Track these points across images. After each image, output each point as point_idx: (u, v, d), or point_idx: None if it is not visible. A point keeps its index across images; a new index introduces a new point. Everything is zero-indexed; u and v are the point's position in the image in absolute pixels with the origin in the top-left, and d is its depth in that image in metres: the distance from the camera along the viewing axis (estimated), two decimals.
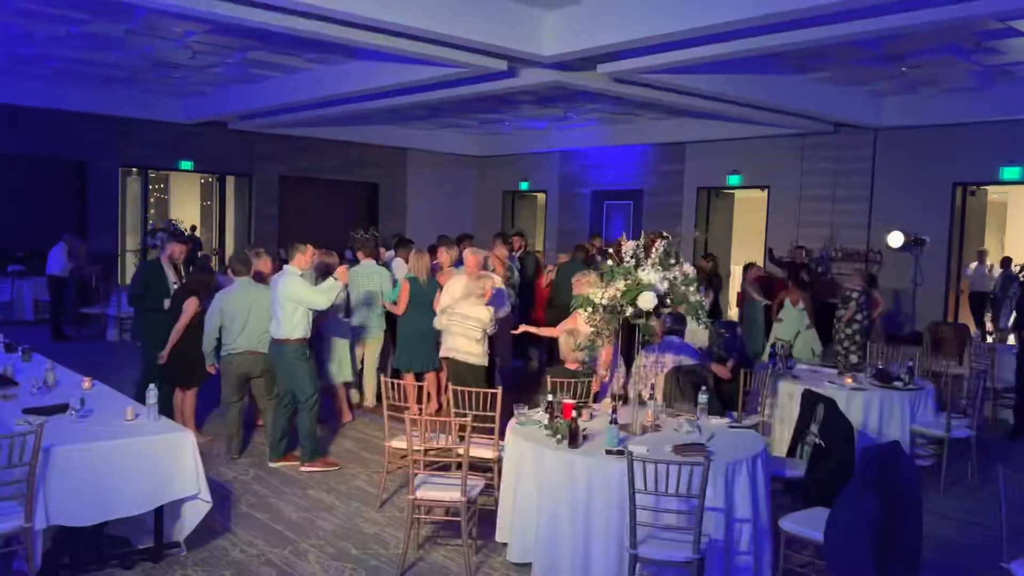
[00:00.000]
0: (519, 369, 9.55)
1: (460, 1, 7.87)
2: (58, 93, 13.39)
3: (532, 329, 7.34)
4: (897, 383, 6.61)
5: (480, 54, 9.03)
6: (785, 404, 6.57)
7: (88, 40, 10.30)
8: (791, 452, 5.60)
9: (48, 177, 14.86)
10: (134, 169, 16.59)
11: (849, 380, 6.65)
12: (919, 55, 9.93)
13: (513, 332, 7.46)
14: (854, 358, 7.00)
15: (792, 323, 9.50)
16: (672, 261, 4.81)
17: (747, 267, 11.60)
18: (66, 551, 4.54)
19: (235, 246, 17.27)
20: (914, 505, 4.02)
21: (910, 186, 13.11)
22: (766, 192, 15.15)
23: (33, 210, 14.51)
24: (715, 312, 9.07)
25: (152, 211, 17.62)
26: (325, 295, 6.37)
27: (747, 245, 16.26)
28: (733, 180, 15.53)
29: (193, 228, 14.50)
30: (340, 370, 7.94)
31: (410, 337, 7.81)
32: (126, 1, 7.29)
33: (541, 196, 19.48)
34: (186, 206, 18.64)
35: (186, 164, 16.32)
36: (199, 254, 12.84)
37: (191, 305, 6.81)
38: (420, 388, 7.93)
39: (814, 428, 5.18)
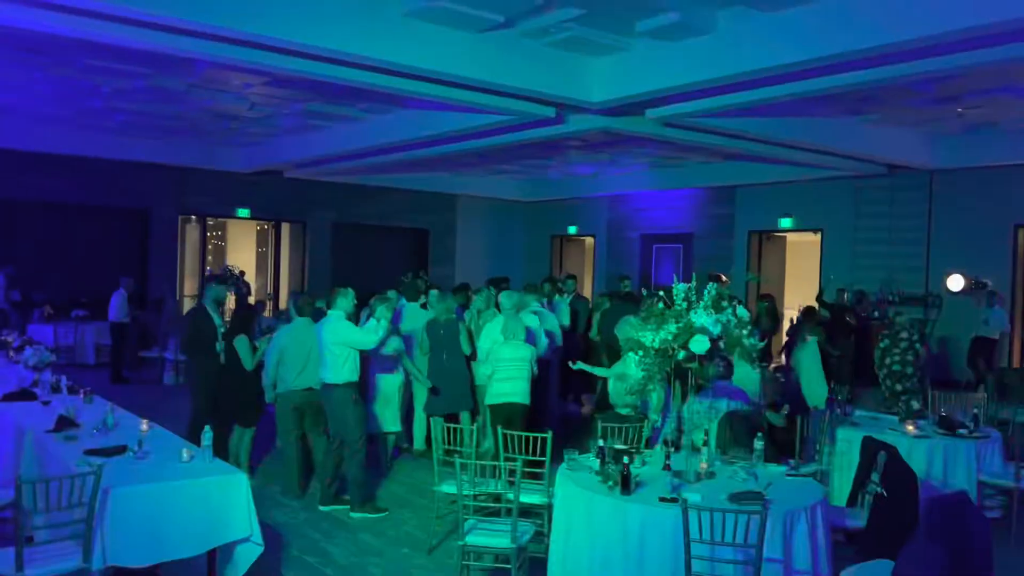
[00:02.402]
0: (572, 413, 9.47)
1: (509, 49, 8.01)
2: (122, 144, 13.94)
3: (587, 367, 7.26)
4: (962, 431, 6.38)
5: (529, 101, 9.15)
6: (844, 452, 6.37)
7: (152, 93, 10.71)
8: (851, 501, 5.43)
9: (111, 225, 15.39)
10: (193, 217, 17.08)
11: (911, 427, 6.43)
12: (975, 95, 9.78)
13: (571, 365, 7.35)
14: (916, 403, 6.76)
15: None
16: (724, 304, 4.75)
17: (807, 311, 11.39)
18: None
19: (289, 290, 17.58)
20: (984, 558, 3.84)
21: (969, 228, 12.82)
22: (819, 235, 14.95)
23: (97, 257, 14.99)
24: (767, 356, 8.88)
25: (210, 257, 18.08)
26: (372, 335, 6.43)
27: (801, 289, 16.00)
28: (785, 223, 15.37)
29: (242, 273, 14.81)
30: (385, 418, 7.84)
31: (439, 379, 7.78)
32: (187, 55, 7.57)
33: (590, 240, 19.50)
34: (242, 252, 19.10)
35: (243, 211, 16.75)
36: (248, 298, 13.13)
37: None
38: (469, 431, 7.89)
39: (875, 477, 5.02)
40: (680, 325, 4.70)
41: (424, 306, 8.51)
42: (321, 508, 6.59)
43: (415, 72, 7.82)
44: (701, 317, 4.67)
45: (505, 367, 6.81)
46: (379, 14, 7.17)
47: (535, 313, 8.24)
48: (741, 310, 4.75)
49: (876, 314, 12.85)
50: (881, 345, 8.51)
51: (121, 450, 4.90)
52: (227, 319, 7.69)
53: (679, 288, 4.75)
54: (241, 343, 7.05)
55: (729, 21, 7.36)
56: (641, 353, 4.84)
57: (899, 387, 8.08)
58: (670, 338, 4.65)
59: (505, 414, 6.66)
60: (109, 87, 10.43)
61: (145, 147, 14.22)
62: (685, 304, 4.77)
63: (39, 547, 4.19)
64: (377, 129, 11.92)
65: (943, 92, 9.67)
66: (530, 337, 7.19)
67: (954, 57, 7.21)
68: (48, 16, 6.54)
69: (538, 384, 8.32)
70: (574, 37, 7.87)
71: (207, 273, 15.91)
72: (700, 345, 4.56)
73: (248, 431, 7.24)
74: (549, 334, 8.26)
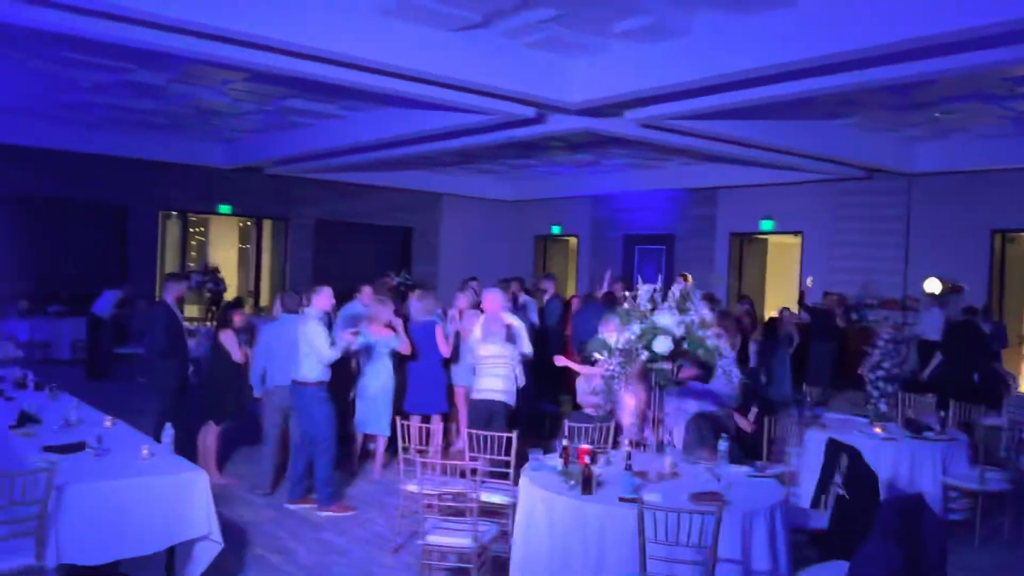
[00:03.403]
0: (551, 414, 9.45)
1: (487, 49, 7.99)
2: (100, 139, 13.82)
3: (572, 364, 7.18)
4: (928, 433, 6.41)
5: (509, 101, 9.14)
6: (812, 453, 6.39)
7: (132, 88, 10.64)
8: (815, 503, 5.45)
9: (90, 220, 15.27)
10: (174, 212, 16.98)
11: (879, 430, 6.47)
12: (950, 101, 9.84)
13: (557, 361, 7.28)
14: (883, 406, 6.80)
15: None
16: (688, 305, 4.76)
17: (781, 312, 11.46)
18: None
19: (271, 288, 17.53)
20: (937, 559, 3.86)
21: (947, 232, 12.90)
22: (799, 237, 15.01)
23: (75, 253, 14.89)
24: (744, 358, 8.87)
25: (194, 254, 18.00)
26: (333, 351, 6.41)
27: (781, 290, 16.07)
28: (766, 225, 15.42)
29: (215, 269, 14.77)
30: (368, 420, 7.71)
31: (417, 379, 7.74)
32: (167, 51, 7.52)
33: (573, 240, 19.51)
34: (225, 249, 19.01)
35: (224, 208, 16.67)
36: (222, 293, 13.11)
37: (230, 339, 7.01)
38: (431, 430, 7.85)
39: (838, 479, 5.04)
40: (644, 325, 4.71)
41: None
42: (288, 506, 6.56)
43: (391, 70, 7.80)
44: (664, 318, 4.68)
45: (485, 364, 6.79)
46: (355, 11, 7.15)
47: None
48: (705, 310, 4.75)
49: (855, 317, 12.92)
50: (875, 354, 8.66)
51: (80, 447, 4.87)
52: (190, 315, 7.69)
53: (643, 289, 4.76)
54: (228, 337, 7.07)
55: (705, 25, 7.37)
56: (607, 354, 4.85)
57: (890, 388, 8.14)
58: (634, 338, 4.66)
59: (486, 410, 6.63)
60: (87, 81, 10.34)
61: (124, 142, 14.10)
62: (650, 305, 4.78)
63: None
64: (357, 127, 11.88)
65: (920, 97, 9.71)
66: (512, 335, 7.14)
67: (927, 63, 7.24)
68: (24, 10, 6.48)
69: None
70: (551, 37, 7.86)
71: (185, 270, 15.79)
72: (662, 345, 4.56)
73: (213, 430, 7.21)
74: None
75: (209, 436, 7.16)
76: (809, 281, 12.81)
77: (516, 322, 7.50)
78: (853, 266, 13.88)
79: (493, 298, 7.32)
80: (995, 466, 6.40)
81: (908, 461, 6.18)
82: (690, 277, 10.79)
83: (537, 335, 9.59)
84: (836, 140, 11.57)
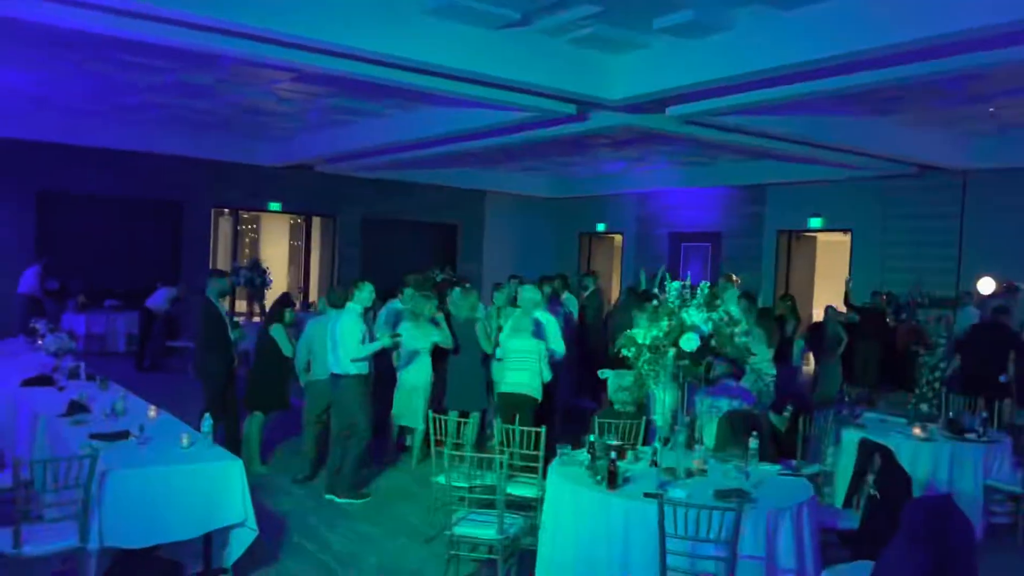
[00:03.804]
0: (589, 410, 9.46)
1: (528, 47, 8.04)
2: (156, 138, 14.24)
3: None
4: (970, 435, 6.27)
5: (550, 98, 9.18)
6: (849, 453, 6.30)
7: (183, 88, 10.95)
8: (847, 503, 5.38)
9: (146, 217, 15.73)
10: (226, 210, 17.38)
11: (918, 430, 6.35)
12: (1007, 94, 9.57)
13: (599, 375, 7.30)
14: (924, 407, 6.67)
15: None
16: (718, 302, 4.74)
17: (826, 310, 11.29)
18: (121, 572, 4.73)
19: (319, 284, 17.85)
20: (967, 563, 3.79)
21: (1003, 231, 12.53)
22: (848, 235, 14.74)
23: (131, 249, 15.36)
24: (784, 356, 8.76)
25: (247, 251, 18.41)
26: (365, 351, 6.54)
27: (830, 289, 15.79)
28: (814, 223, 15.18)
29: (256, 264, 15.05)
30: (406, 413, 7.83)
31: (457, 375, 7.82)
32: (214, 52, 7.74)
33: (618, 237, 19.44)
34: (275, 246, 19.41)
35: (274, 205, 17.01)
36: (265, 288, 13.40)
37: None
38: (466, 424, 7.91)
39: (870, 478, 4.97)
40: (672, 322, 4.71)
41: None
42: (326, 497, 6.71)
43: (433, 69, 7.89)
44: (693, 315, 4.67)
45: (511, 358, 6.87)
46: (398, 12, 7.25)
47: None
48: (733, 309, 4.73)
49: (904, 316, 12.65)
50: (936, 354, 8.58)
51: (124, 435, 5.05)
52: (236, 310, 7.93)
53: (673, 286, 4.76)
54: (278, 331, 7.29)
55: (747, 19, 7.29)
56: (634, 350, 4.86)
57: (924, 407, 8.04)
58: (661, 335, 4.67)
59: (511, 404, 6.70)
60: (142, 82, 10.68)
61: (178, 141, 14.51)
62: (679, 302, 4.78)
63: (39, 526, 4.34)
64: (402, 125, 12.03)
65: (974, 91, 9.47)
66: (540, 331, 7.19)
67: (982, 55, 7.05)
68: (81, 14, 6.73)
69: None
70: (592, 35, 7.87)
71: (233, 266, 16.16)
72: (690, 343, 4.56)
73: (261, 418, 7.41)
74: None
75: (254, 427, 7.35)
76: (849, 282, 12.55)
77: (547, 319, 7.53)
78: (903, 265, 13.57)
79: (523, 295, 7.38)
80: None
81: (948, 462, 6.06)
82: (735, 278, 10.67)
83: (576, 331, 9.61)
84: (888, 136, 11.33)
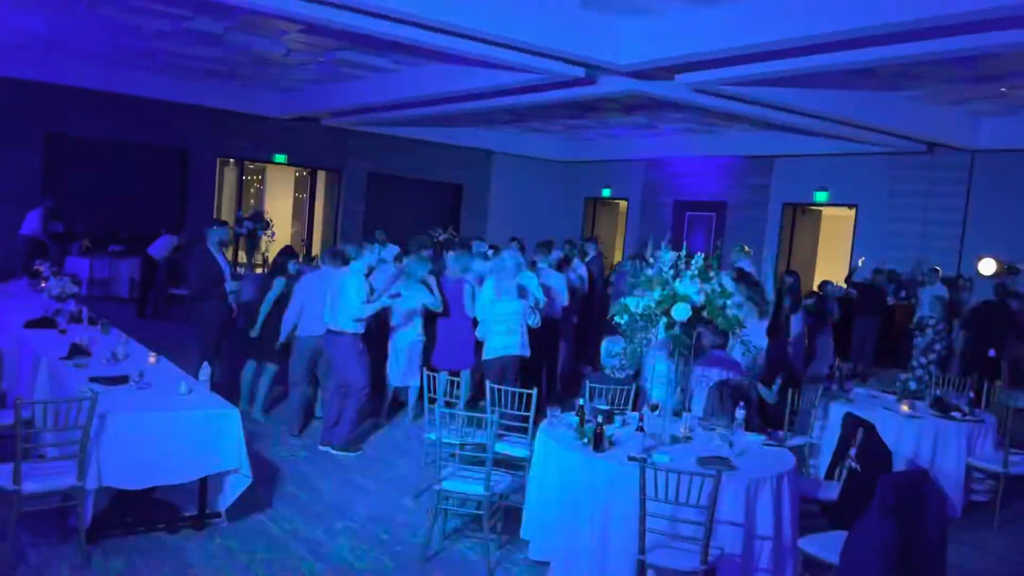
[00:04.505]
0: (587, 375, 9.57)
1: (541, 9, 8.01)
2: (163, 84, 14.19)
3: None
4: (955, 414, 6.36)
5: (559, 60, 9.15)
6: (836, 426, 6.39)
7: (191, 36, 10.90)
8: (829, 474, 5.49)
9: (152, 163, 15.73)
10: (231, 160, 17.38)
11: (906, 407, 6.44)
12: (1019, 76, 9.51)
13: None
14: (912, 384, 6.76)
15: None
16: (711, 273, 4.79)
17: (823, 284, 11.34)
18: (116, 512, 4.87)
19: (322, 238, 17.89)
20: (938, 536, 3.90)
21: (1007, 212, 12.51)
22: (854, 211, 14.72)
23: (136, 194, 15.40)
24: (782, 331, 8.82)
25: (252, 201, 18.41)
26: (368, 310, 6.61)
27: (833, 264, 15.82)
28: (820, 197, 15.15)
29: (257, 214, 15.00)
30: (396, 373, 7.89)
31: (447, 335, 7.88)
32: (224, 1, 7.71)
33: (623, 203, 19.42)
34: (280, 198, 19.41)
35: (280, 157, 16.99)
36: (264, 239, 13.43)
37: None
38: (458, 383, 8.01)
39: (852, 452, 5.07)
40: (665, 292, 4.78)
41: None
42: (321, 447, 6.84)
43: (444, 27, 7.87)
44: (686, 286, 4.73)
45: (499, 321, 6.96)
46: None
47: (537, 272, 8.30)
48: (727, 280, 4.78)
49: (904, 295, 12.68)
50: (928, 335, 8.63)
51: (123, 379, 5.16)
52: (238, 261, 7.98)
53: (666, 256, 4.82)
54: (280, 284, 7.36)
55: None
56: (627, 317, 4.93)
57: (913, 384, 8.08)
58: (652, 304, 4.73)
59: (499, 367, 6.82)
60: (149, 28, 10.63)
61: (186, 88, 14.46)
62: (672, 272, 4.83)
63: (39, 464, 4.46)
64: (410, 82, 11.98)
65: (986, 70, 9.40)
66: (525, 291, 7.31)
67: (996, 34, 7.02)
68: None
69: (547, 343, 8.43)
70: None
71: (237, 215, 16.17)
72: (681, 312, 4.63)
73: (272, 368, 7.51)
74: (551, 292, 8.32)
75: (262, 377, 7.45)
76: (861, 261, 12.56)
77: (527, 276, 7.63)
78: (907, 242, 13.58)
79: (505, 258, 7.44)
80: (1022, 449, 6.33)
81: (932, 440, 6.16)
82: (748, 249, 10.69)
83: (579, 298, 9.68)
84: (898, 112, 11.27)
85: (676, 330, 4.70)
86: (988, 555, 5.58)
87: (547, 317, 7.88)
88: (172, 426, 4.73)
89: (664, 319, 4.69)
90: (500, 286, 7.09)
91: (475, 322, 7.59)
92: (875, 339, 11.91)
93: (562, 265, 9.43)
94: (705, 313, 4.74)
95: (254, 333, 7.33)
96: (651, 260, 5.00)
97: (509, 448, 5.70)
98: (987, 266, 12.35)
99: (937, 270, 11.86)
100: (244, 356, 7.64)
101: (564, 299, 8.64)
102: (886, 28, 6.80)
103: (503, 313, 6.97)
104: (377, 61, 11.47)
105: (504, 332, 6.94)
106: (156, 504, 5.04)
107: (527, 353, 7.02)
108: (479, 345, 7.45)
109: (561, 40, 8.39)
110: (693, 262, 4.75)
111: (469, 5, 7.59)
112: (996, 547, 5.76)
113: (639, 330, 4.80)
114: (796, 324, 9.56)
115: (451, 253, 8.34)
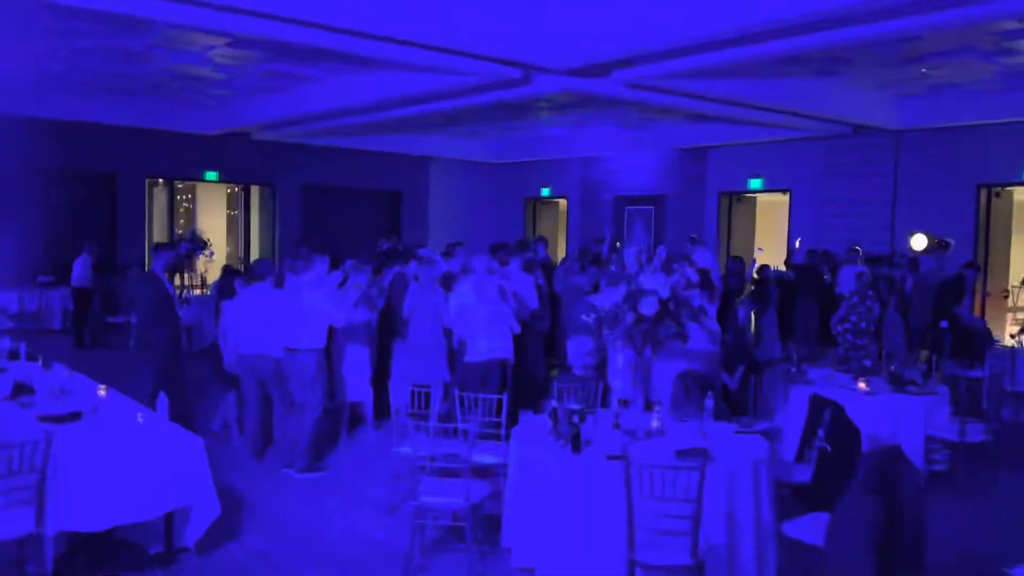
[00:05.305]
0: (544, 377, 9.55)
1: (473, 10, 7.94)
2: (84, 106, 13.63)
3: None
4: (911, 387, 6.53)
5: (494, 62, 9.10)
6: (798, 409, 6.50)
7: (111, 54, 10.51)
8: (799, 457, 5.56)
9: (78, 189, 15.13)
10: (160, 180, 16.86)
11: (863, 385, 6.58)
12: (939, 56, 9.83)
13: None
14: (868, 363, 6.93)
15: None
16: (676, 267, 4.81)
17: (761, 269, 11.54)
18: (79, 556, 4.64)
19: (260, 254, 17.50)
20: (916, 510, 3.97)
21: (934, 188, 12.96)
22: (788, 196, 15.06)
23: (63, 221, 14.78)
24: (730, 316, 8.95)
25: (182, 221, 17.88)
26: (344, 313, 6.47)
27: (771, 249, 16.11)
28: (755, 184, 15.45)
29: (196, 234, 14.59)
30: (352, 386, 7.79)
31: (419, 347, 7.77)
32: (144, 16, 7.44)
33: (563, 202, 19.49)
34: (212, 216, 18.89)
35: (211, 174, 16.57)
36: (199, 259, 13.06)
37: None
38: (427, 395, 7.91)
39: (821, 433, 5.14)
40: (632, 288, 4.78)
41: None
42: (284, 471, 6.65)
43: (372, 32, 7.74)
44: (651, 280, 4.74)
45: (482, 325, 6.87)
46: None
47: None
48: (692, 273, 4.81)
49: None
50: (841, 308, 8.72)
51: (76, 416, 4.91)
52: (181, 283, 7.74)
53: (629, 252, 4.82)
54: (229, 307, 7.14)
55: None
56: (594, 316, 4.92)
57: (859, 341, 8.23)
58: (620, 300, 4.73)
59: (482, 370, 6.73)
60: (65, 48, 10.21)
61: (108, 109, 13.92)
62: (637, 267, 4.84)
63: None
64: (341, 91, 11.78)
65: (907, 53, 9.70)
66: (506, 294, 7.24)
67: (915, 18, 7.24)
68: None
69: (523, 347, 8.37)
70: None
71: (174, 237, 15.73)
72: (649, 306, 4.63)
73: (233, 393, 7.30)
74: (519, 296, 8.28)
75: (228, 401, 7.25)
76: (797, 243, 12.87)
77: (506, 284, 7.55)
78: (840, 223, 13.94)
79: (477, 263, 7.38)
80: (977, 418, 6.53)
81: (891, 415, 6.31)
82: (700, 239, 10.84)
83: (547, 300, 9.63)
84: (824, 97, 11.55)
85: (645, 324, 4.70)
86: (955, 522, 5.72)
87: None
88: (132, 461, 4.52)
89: (632, 315, 4.69)
90: (480, 290, 7.00)
91: (448, 332, 7.51)
92: (818, 321, 12.16)
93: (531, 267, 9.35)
94: (672, 306, 4.76)
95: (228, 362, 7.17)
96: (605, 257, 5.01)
97: (481, 456, 5.62)
98: (919, 242, 12.72)
99: (857, 250, 12.20)
100: (221, 386, 7.41)
101: (534, 302, 8.54)
102: (810, 16, 6.97)
103: (487, 316, 6.87)
104: (307, 71, 11.25)
105: (488, 336, 6.84)
106: (119, 544, 4.82)
107: (512, 358, 6.94)
108: (452, 355, 7.34)
109: (495, 42, 8.35)
110: (654, 256, 4.77)
111: (398, 9, 7.47)
112: (961, 514, 5.92)
113: (608, 326, 4.79)
114: (742, 309, 9.71)
115: (418, 263, 8.23)
